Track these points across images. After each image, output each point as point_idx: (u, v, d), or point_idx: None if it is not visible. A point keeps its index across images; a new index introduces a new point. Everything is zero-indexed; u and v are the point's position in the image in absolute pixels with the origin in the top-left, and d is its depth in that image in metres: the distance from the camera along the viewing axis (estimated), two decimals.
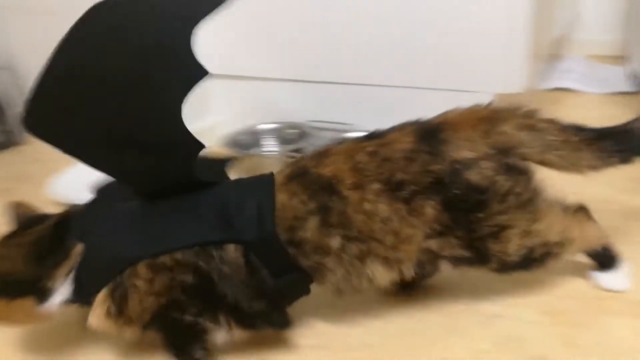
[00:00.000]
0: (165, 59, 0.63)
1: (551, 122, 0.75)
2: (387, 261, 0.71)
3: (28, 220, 0.72)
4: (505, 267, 0.75)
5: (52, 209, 0.75)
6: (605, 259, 0.81)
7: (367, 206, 0.69)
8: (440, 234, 0.71)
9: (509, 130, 0.72)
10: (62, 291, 0.68)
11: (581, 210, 0.81)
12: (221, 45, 1.45)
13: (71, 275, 0.68)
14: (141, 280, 0.67)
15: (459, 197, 0.69)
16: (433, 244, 0.71)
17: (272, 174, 0.74)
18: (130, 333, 0.70)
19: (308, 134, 1.32)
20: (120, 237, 0.69)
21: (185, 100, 0.64)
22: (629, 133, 0.77)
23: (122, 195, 0.72)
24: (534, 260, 0.75)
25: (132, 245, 0.67)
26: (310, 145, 1.26)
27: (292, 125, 1.37)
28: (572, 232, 0.76)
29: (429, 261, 0.73)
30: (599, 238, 0.80)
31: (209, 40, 1.43)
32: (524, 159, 0.72)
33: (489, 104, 0.77)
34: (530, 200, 0.72)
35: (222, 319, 0.71)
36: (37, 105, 0.62)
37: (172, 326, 0.70)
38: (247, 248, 0.68)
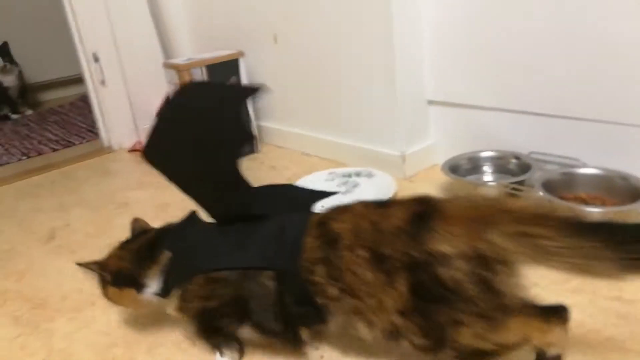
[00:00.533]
0: (220, 129, 0.84)
1: (550, 224, 0.66)
2: (368, 321, 0.76)
3: (139, 231, 0.97)
4: (461, 356, 0.73)
5: None
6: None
7: (355, 269, 0.74)
8: (403, 313, 0.72)
9: (496, 239, 0.68)
10: (153, 286, 0.89)
11: (556, 314, 0.75)
12: (443, 72, 1.51)
13: (160, 275, 0.88)
14: (196, 286, 0.85)
15: (425, 286, 0.70)
16: (399, 320, 0.73)
17: (310, 215, 0.84)
18: (187, 321, 0.90)
19: (530, 165, 1.27)
20: (194, 251, 0.87)
21: (236, 156, 0.86)
22: None
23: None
24: (487, 354, 0.72)
25: (201, 259, 0.85)
26: (532, 178, 1.24)
27: (515, 156, 1.35)
28: (530, 337, 0.73)
29: (395, 336, 0.74)
30: (555, 345, 0.74)
31: (430, 67, 1.54)
32: (515, 261, 0.69)
33: (492, 201, 0.78)
34: (492, 312, 0.69)
35: (246, 330, 0.86)
36: (152, 144, 0.85)
37: (207, 324, 0.88)
38: (279, 276, 0.80)
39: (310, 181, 1.51)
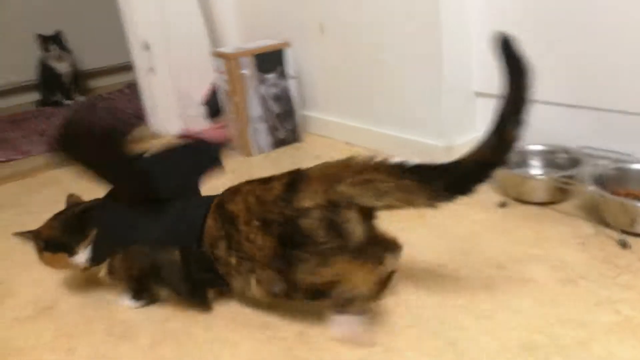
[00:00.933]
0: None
1: (379, 169, 0.87)
2: (258, 279, 0.92)
3: (71, 204, 1.13)
4: (306, 295, 0.90)
5: None
6: (347, 305, 0.90)
7: (251, 237, 0.91)
8: (271, 262, 0.89)
9: (344, 189, 0.86)
10: (82, 256, 1.04)
11: (377, 261, 0.91)
12: (492, 63, 1.50)
13: (89, 248, 1.04)
14: (119, 257, 1.03)
15: (289, 236, 0.87)
16: (270, 271, 0.90)
17: (211, 200, 0.99)
18: (119, 283, 1.08)
19: (580, 160, 1.26)
20: (116, 229, 1.05)
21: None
22: (452, 172, 0.86)
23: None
24: (322, 293, 0.88)
25: (121, 236, 1.03)
26: (582, 173, 1.23)
27: (564, 150, 1.34)
28: (349, 277, 0.87)
29: (268, 286, 0.91)
30: (361, 287, 0.88)
31: (478, 57, 1.53)
32: (364, 207, 0.86)
33: (341, 160, 0.91)
34: (328, 252, 0.86)
35: (163, 291, 1.04)
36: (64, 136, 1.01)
37: (132, 286, 1.06)
38: (183, 250, 0.98)
39: None
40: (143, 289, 1.06)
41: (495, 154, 0.87)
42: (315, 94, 1.94)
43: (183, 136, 2.15)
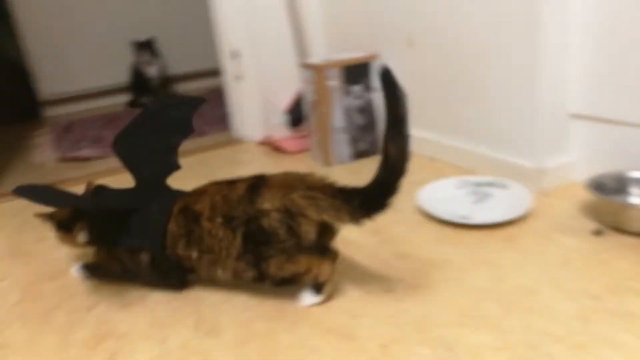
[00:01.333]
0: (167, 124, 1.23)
1: (324, 189, 1.02)
2: (222, 267, 1.07)
3: (85, 192, 1.22)
4: (275, 283, 1.06)
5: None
6: (317, 287, 1.06)
7: (213, 232, 1.05)
8: (239, 256, 1.04)
9: (295, 199, 1.01)
10: (82, 236, 1.17)
11: (330, 255, 1.08)
12: (590, 84, 1.44)
13: (85, 230, 1.17)
14: (102, 252, 1.20)
15: (253, 234, 1.02)
16: (237, 262, 1.05)
17: (170, 206, 1.11)
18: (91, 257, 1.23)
19: None
20: (104, 224, 1.16)
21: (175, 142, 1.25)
22: (364, 193, 1.01)
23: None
24: (288, 281, 1.05)
25: (102, 230, 1.17)
26: None
27: None
28: (313, 269, 1.04)
29: (238, 274, 1.07)
30: (326, 276, 1.05)
31: (576, 77, 1.47)
32: (308, 217, 1.01)
33: (297, 174, 1.06)
34: (291, 249, 1.02)
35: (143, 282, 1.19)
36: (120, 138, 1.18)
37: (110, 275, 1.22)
38: (151, 253, 1.12)
39: (438, 187, 1.51)
40: (100, 272, 1.25)
41: (387, 172, 1.00)
42: None
43: (264, 143, 2.21)
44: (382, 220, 1.39)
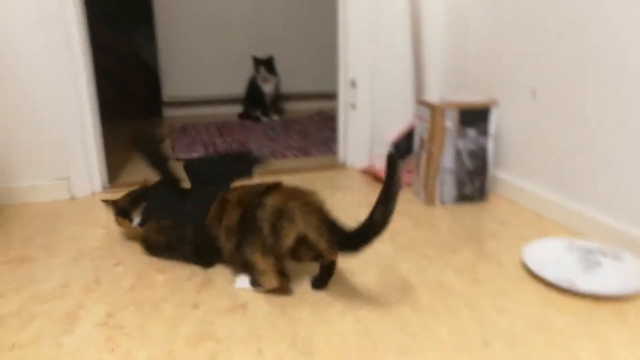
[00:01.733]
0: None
1: (319, 212, 1.20)
2: (230, 242, 1.30)
3: (141, 185, 1.57)
4: (241, 263, 1.29)
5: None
6: (255, 284, 1.28)
7: (233, 215, 1.29)
8: (233, 231, 1.29)
9: (291, 206, 1.20)
10: (135, 221, 1.50)
11: (284, 277, 1.26)
12: None
13: (139, 215, 1.49)
14: (153, 225, 1.47)
15: (247, 218, 1.26)
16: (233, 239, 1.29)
17: (215, 195, 1.37)
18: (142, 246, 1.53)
19: None
20: (156, 205, 1.48)
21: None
22: (345, 234, 1.15)
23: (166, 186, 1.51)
24: (248, 267, 1.27)
25: (157, 211, 1.47)
26: None
27: None
28: (265, 272, 1.24)
29: (233, 253, 1.30)
30: (268, 284, 1.26)
31: None
32: (293, 224, 1.19)
33: (307, 191, 1.27)
34: (266, 247, 1.22)
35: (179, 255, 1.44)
36: (194, 162, 1.62)
37: (154, 250, 1.48)
38: (194, 227, 1.38)
39: (546, 247, 1.46)
40: (159, 253, 1.48)
41: (368, 228, 1.12)
42: (511, 156, 1.90)
43: (366, 172, 2.25)
44: (482, 270, 1.38)
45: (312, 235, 1.17)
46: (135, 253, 1.50)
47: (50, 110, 1.90)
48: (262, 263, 1.24)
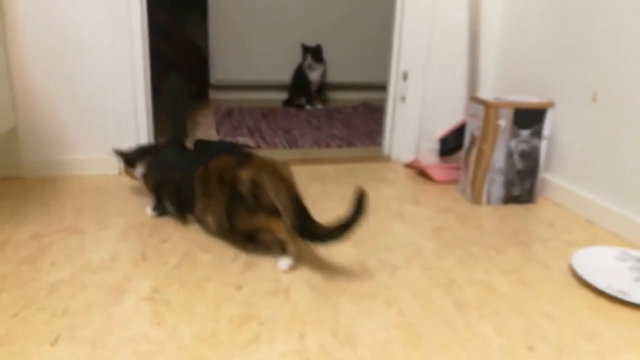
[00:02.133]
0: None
1: (290, 189, 1.31)
2: (212, 214, 1.44)
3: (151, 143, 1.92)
4: (242, 237, 1.41)
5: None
6: (282, 248, 1.35)
7: (212, 183, 1.42)
8: (223, 209, 1.40)
9: (265, 177, 1.32)
10: (139, 170, 1.68)
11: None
12: None
13: (143, 167, 1.68)
14: (151, 173, 1.66)
15: (234, 194, 1.36)
16: (222, 213, 1.40)
17: (211, 159, 1.48)
18: (146, 193, 1.73)
19: None
20: (158, 158, 1.67)
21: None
22: (308, 226, 1.28)
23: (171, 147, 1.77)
24: (252, 237, 1.38)
25: (158, 160, 1.66)
26: None
27: None
28: (269, 225, 1.34)
29: (220, 224, 1.42)
30: (281, 232, 1.33)
31: None
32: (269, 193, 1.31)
33: (280, 161, 1.41)
34: (253, 208, 1.34)
35: (168, 205, 1.62)
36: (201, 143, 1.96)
37: (155, 194, 1.65)
38: (182, 175, 1.54)
39: (597, 254, 1.41)
40: (158, 201, 1.64)
41: (324, 231, 1.26)
42: (564, 160, 1.84)
43: (410, 166, 2.22)
44: (529, 273, 1.35)
45: (280, 207, 1.29)
46: (180, 231, 1.53)
47: (107, 92, 1.96)
48: (257, 221, 1.35)
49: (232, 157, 1.44)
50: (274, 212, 1.30)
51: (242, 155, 1.44)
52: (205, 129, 2.85)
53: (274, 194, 1.29)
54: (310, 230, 1.26)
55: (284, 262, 1.33)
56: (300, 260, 1.37)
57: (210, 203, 1.42)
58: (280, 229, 1.32)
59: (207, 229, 1.50)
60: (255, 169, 1.34)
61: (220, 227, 1.42)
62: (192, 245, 1.44)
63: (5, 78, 1.84)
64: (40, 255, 1.35)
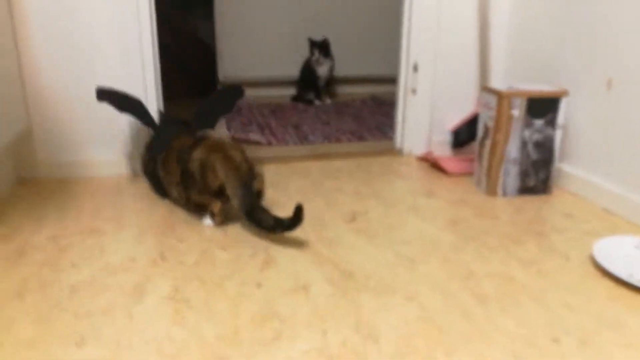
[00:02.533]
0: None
1: (239, 170, 1.50)
2: (175, 188, 1.64)
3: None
4: (194, 206, 1.61)
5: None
6: (212, 216, 1.56)
7: (171, 163, 1.63)
8: (178, 183, 1.61)
9: (213, 159, 1.50)
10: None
11: (223, 199, 1.53)
12: None
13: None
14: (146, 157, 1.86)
15: (185, 171, 1.56)
16: (178, 187, 1.62)
17: (173, 138, 1.71)
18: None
19: None
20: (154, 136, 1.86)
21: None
22: (258, 212, 1.45)
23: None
24: (200, 207, 1.58)
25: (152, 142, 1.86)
26: None
27: None
28: (211, 204, 1.54)
29: (180, 194, 1.63)
30: (216, 209, 1.55)
31: None
32: (215, 173, 1.49)
33: (232, 143, 1.62)
34: (201, 188, 1.53)
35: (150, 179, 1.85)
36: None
37: (150, 180, 1.85)
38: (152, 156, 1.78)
39: (617, 243, 1.40)
40: (155, 184, 1.80)
41: (273, 222, 1.41)
42: (579, 149, 1.83)
43: (423, 159, 2.21)
44: (548, 264, 1.34)
45: (229, 190, 1.47)
46: (196, 230, 1.54)
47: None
48: (203, 199, 1.54)
49: (190, 137, 1.65)
50: (219, 194, 1.49)
51: (199, 137, 1.64)
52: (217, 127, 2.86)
53: (223, 177, 1.47)
54: (256, 217, 1.43)
55: (208, 222, 1.57)
56: (317, 256, 1.37)
57: (171, 179, 1.64)
58: (217, 206, 1.53)
59: (175, 201, 1.71)
60: (207, 151, 1.52)
61: (181, 199, 1.64)
62: (209, 244, 1.45)
63: (17, 79, 1.85)
64: (60, 257, 1.36)
